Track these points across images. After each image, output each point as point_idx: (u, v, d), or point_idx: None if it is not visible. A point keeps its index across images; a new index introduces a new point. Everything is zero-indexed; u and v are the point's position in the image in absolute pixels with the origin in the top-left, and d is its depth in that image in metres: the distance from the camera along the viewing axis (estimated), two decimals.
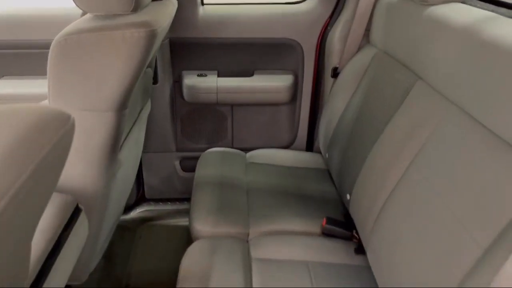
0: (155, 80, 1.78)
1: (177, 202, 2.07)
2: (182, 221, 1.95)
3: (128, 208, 2.02)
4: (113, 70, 0.97)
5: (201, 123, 1.96)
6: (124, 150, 1.27)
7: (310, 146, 2.00)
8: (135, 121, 1.45)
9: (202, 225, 1.35)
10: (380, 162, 1.22)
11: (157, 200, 2.07)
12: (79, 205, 1.07)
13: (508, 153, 0.81)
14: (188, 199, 2.08)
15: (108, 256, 1.72)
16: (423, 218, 0.97)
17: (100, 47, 0.95)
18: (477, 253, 0.79)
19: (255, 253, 1.25)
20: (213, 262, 1.18)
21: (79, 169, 1.06)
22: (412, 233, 0.99)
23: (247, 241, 1.32)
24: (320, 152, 1.84)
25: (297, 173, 1.71)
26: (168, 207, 2.05)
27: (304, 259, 1.24)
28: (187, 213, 2.04)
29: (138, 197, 2.05)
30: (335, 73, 1.77)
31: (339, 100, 1.65)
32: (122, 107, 1.07)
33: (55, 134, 0.49)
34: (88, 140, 1.04)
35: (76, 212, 1.05)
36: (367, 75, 1.54)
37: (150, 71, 1.56)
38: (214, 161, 1.72)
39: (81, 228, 1.07)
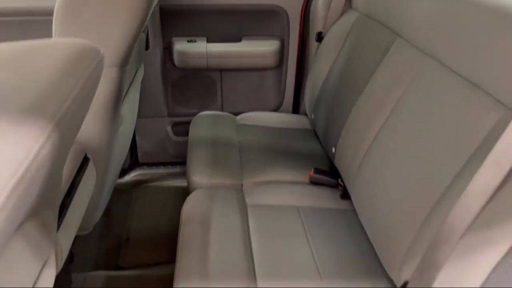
0: (146, 46, 1.84)
1: (170, 166, 2.15)
2: (176, 183, 2.05)
3: (123, 172, 2.09)
4: (117, 25, 1.04)
5: (192, 88, 2.03)
6: (123, 108, 1.34)
7: (296, 109, 2.10)
8: (131, 82, 1.52)
9: (199, 177, 1.45)
10: (363, 114, 1.33)
11: (150, 164, 2.15)
12: (87, 155, 1.15)
13: (477, 95, 0.92)
14: (180, 163, 2.17)
15: (107, 215, 1.80)
16: (401, 158, 1.08)
17: (104, 1, 1.01)
18: (449, 179, 0.91)
19: (250, 200, 1.36)
20: (212, 206, 1.28)
21: (86, 122, 1.13)
22: (392, 172, 1.10)
23: (242, 191, 1.42)
24: (306, 115, 1.95)
25: (285, 133, 1.81)
26: (161, 170, 2.14)
27: (294, 204, 1.35)
28: (180, 175, 2.14)
29: (132, 161, 2.13)
30: (320, 38, 1.86)
31: (324, 63, 1.75)
32: (125, 62, 1.14)
33: (91, 64, 0.58)
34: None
35: (85, 161, 1.13)
36: (349, 37, 1.64)
37: (143, 35, 1.62)
38: (206, 123, 1.81)
39: (90, 177, 1.15)
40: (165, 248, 1.60)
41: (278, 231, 1.23)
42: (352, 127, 1.38)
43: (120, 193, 1.97)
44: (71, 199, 1.03)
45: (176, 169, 2.15)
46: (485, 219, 0.77)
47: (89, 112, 1.14)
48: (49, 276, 0.75)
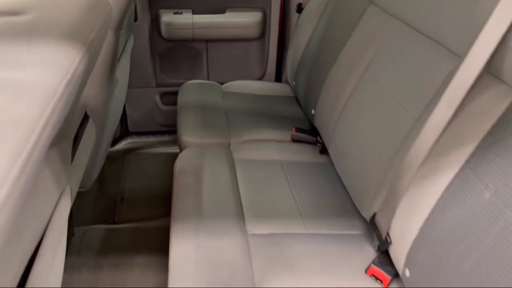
0: (135, 18, 1.93)
1: (159, 135, 2.26)
2: (165, 150, 2.15)
3: (114, 142, 2.19)
4: None
5: (179, 59, 2.13)
6: (118, 72, 1.44)
7: (279, 77, 2.21)
8: (122, 51, 1.61)
9: (189, 137, 1.56)
10: (339, 75, 1.46)
11: (140, 133, 2.25)
12: (87, 113, 1.25)
13: (436, 49, 1.06)
14: (169, 132, 2.28)
15: (101, 179, 1.91)
16: (372, 109, 1.22)
17: None
18: (411, 122, 1.04)
19: (237, 155, 1.48)
20: (203, 161, 1.40)
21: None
22: (363, 122, 1.24)
23: (229, 148, 1.55)
24: (288, 83, 2.07)
25: (268, 100, 1.93)
26: (151, 139, 2.24)
27: (278, 159, 1.48)
28: (169, 143, 2.24)
29: (123, 131, 2.22)
30: (300, 9, 1.97)
31: (304, 33, 1.86)
32: (119, 27, 1.23)
33: (106, 7, 0.68)
34: None
35: (85, 118, 1.23)
36: (327, 7, 1.75)
37: (133, 5, 1.70)
38: (193, 91, 1.91)
39: (91, 132, 1.25)
40: (158, 205, 1.71)
41: (263, 181, 1.35)
42: (329, 88, 1.51)
43: (113, 160, 2.07)
44: (77, 148, 1.13)
45: (165, 138, 2.25)
46: (438, 149, 0.91)
47: None
48: (66, 205, 0.87)
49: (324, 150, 1.54)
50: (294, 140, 1.60)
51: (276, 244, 1.10)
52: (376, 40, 1.32)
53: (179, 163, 1.40)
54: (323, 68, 1.59)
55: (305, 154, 1.54)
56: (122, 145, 2.20)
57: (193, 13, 2.04)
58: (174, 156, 1.49)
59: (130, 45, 1.75)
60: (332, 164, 1.44)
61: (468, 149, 0.85)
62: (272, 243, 1.10)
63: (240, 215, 1.19)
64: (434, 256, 0.86)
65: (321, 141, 1.57)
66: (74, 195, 1.04)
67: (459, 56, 0.97)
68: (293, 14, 2.01)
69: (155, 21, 2.04)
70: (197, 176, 1.32)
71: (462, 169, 0.85)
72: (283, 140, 1.61)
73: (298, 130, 1.61)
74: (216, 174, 1.34)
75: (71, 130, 0.90)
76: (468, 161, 0.84)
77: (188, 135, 1.57)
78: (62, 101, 0.55)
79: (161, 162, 2.04)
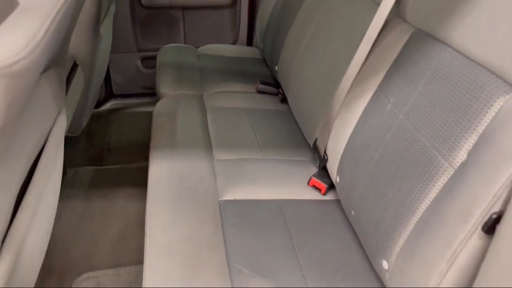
0: None
1: (141, 97, 2.46)
2: (147, 109, 2.36)
3: (99, 103, 2.39)
4: None
5: (157, 25, 2.32)
6: (102, 30, 1.64)
7: (250, 42, 2.43)
8: (106, 13, 1.80)
9: (166, 89, 1.78)
10: (296, 33, 1.68)
11: (123, 96, 2.45)
12: (76, 62, 1.45)
13: (364, 4, 1.28)
14: (150, 94, 2.48)
15: (88, 134, 2.11)
16: (320, 59, 1.45)
17: None
18: (346, 66, 1.27)
19: (208, 104, 1.71)
20: (178, 107, 1.62)
21: (74, 34, 1.43)
22: (314, 70, 1.47)
23: (202, 98, 1.77)
24: (257, 47, 2.28)
25: (239, 61, 2.15)
26: (133, 100, 2.45)
27: (243, 106, 1.71)
28: (150, 104, 2.45)
29: (107, 93, 2.42)
30: None
31: (270, 0, 2.08)
32: None
33: None
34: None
35: (74, 66, 1.43)
36: None
37: None
38: (171, 53, 2.12)
39: (79, 79, 1.46)
40: (141, 152, 1.92)
41: (230, 123, 1.58)
42: (288, 45, 1.74)
43: (99, 118, 2.27)
44: (68, 90, 1.34)
45: (146, 99, 2.46)
46: (359, 79, 1.15)
47: (77, 26, 1.44)
48: (62, 123, 1.08)
49: (284, 100, 1.77)
50: (259, 92, 1.83)
51: (237, 165, 1.33)
52: (325, 3, 1.54)
53: (157, 109, 1.62)
54: (284, 29, 1.81)
55: (267, 102, 1.77)
56: (107, 106, 2.40)
57: None
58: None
59: (112, 10, 1.95)
60: (290, 111, 1.68)
61: (380, 76, 1.09)
62: (233, 165, 1.34)
63: (208, 146, 1.42)
64: (354, 161, 1.10)
65: (282, 92, 1.80)
66: (67, 126, 1.26)
67: (376, 3, 1.19)
68: None
69: None
70: (172, 117, 1.55)
71: (375, 91, 1.09)
72: (249, 91, 1.84)
73: (262, 82, 1.84)
74: (189, 117, 1.57)
75: (65, 58, 1.11)
76: (379, 85, 1.08)
77: (165, 87, 1.79)
78: (67, 3, 0.76)
79: (143, 119, 2.25)
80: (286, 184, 1.28)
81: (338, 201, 1.23)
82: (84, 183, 1.65)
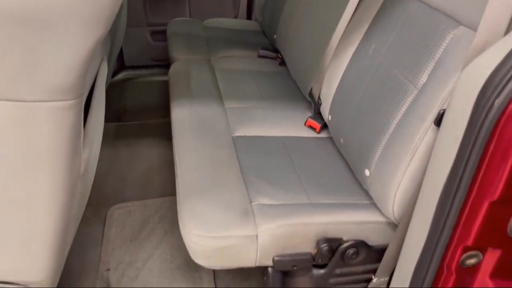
0: None
1: (151, 68, 2.69)
2: (158, 78, 2.59)
3: (113, 74, 2.61)
4: None
5: (165, 2, 2.55)
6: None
7: (249, 16, 2.66)
8: None
9: (178, 54, 2.02)
10: (292, 4, 1.92)
11: (134, 67, 2.68)
12: None
13: None
14: (158, 66, 2.71)
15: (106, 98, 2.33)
16: (312, 25, 1.69)
17: None
18: (333, 31, 1.52)
19: (216, 66, 1.94)
20: (190, 67, 1.86)
21: None
22: (307, 36, 1.71)
23: (210, 62, 2.01)
24: (256, 21, 2.52)
25: (241, 32, 2.39)
26: (144, 71, 2.67)
27: (247, 68, 1.95)
28: (160, 74, 2.68)
29: (120, 65, 2.65)
30: None
31: None
32: None
33: None
34: None
35: None
36: None
37: None
38: (179, 25, 2.35)
39: (106, 40, 1.69)
40: (155, 112, 2.16)
41: (236, 80, 1.82)
42: (285, 16, 1.97)
43: (113, 86, 2.49)
44: None
45: (155, 70, 2.68)
46: (347, 32, 1.39)
47: None
48: (105, 69, 1.32)
49: (282, 63, 2.01)
50: (260, 56, 2.07)
51: (244, 111, 1.58)
52: None
53: (172, 69, 1.86)
54: (281, 2, 2.05)
55: (267, 65, 2.01)
56: (120, 76, 2.63)
57: None
58: (165, 83, 1.91)
59: None
60: (288, 73, 1.92)
61: (364, 29, 1.34)
62: (241, 111, 1.58)
63: (219, 97, 1.66)
64: (343, 100, 1.35)
65: (280, 56, 2.04)
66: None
67: None
68: None
69: None
70: (186, 76, 1.78)
71: (361, 41, 1.34)
72: (251, 56, 2.08)
73: (263, 48, 2.08)
74: (201, 75, 1.81)
75: None
76: (363, 36, 1.33)
77: (177, 53, 2.03)
78: None
79: (154, 87, 2.48)
80: (286, 125, 1.52)
81: (330, 138, 1.48)
82: (108, 135, 1.88)
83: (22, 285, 0.98)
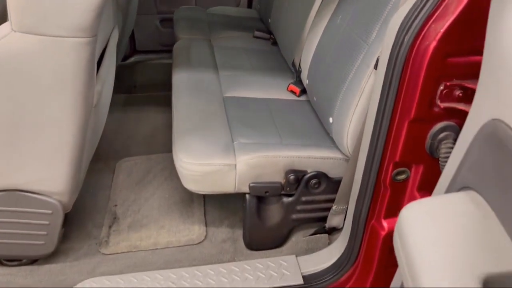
0: None
1: (160, 52, 2.95)
2: (166, 61, 2.84)
3: (125, 58, 2.88)
4: None
5: None
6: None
7: (250, 5, 2.92)
8: None
9: (182, 34, 2.28)
10: None
11: (145, 52, 2.94)
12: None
13: None
14: (167, 51, 2.97)
15: (117, 77, 2.61)
16: (300, 5, 1.93)
17: None
18: (313, 15, 1.76)
19: (215, 44, 2.20)
20: (191, 44, 2.12)
21: None
22: (294, 15, 1.95)
23: (210, 41, 2.26)
24: (256, 9, 2.77)
25: (240, 18, 2.64)
26: (153, 55, 2.94)
27: (242, 47, 2.20)
28: (168, 58, 2.93)
29: (132, 49, 2.92)
30: None
31: None
32: None
33: None
34: None
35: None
36: None
37: None
38: (185, 11, 2.62)
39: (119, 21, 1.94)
40: (162, 88, 2.42)
41: (231, 56, 2.07)
42: (277, 2, 2.22)
43: (125, 68, 2.76)
44: None
45: (164, 54, 2.94)
46: (320, 10, 1.63)
47: None
48: (115, 36, 1.58)
49: (274, 43, 2.26)
50: (255, 37, 2.32)
51: (235, 78, 1.83)
52: None
53: (176, 46, 2.12)
54: None
55: (261, 45, 2.26)
56: (131, 60, 2.90)
57: None
58: (171, 64, 2.14)
59: None
60: (279, 51, 2.16)
61: (335, 3, 1.57)
62: (233, 77, 1.83)
63: (215, 67, 1.91)
64: (316, 65, 1.58)
65: (273, 37, 2.28)
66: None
67: None
68: None
69: None
70: (188, 50, 2.04)
71: (331, 15, 1.57)
72: (247, 37, 2.32)
73: (258, 29, 2.33)
74: (200, 51, 2.06)
75: None
76: (334, 9, 1.57)
77: (181, 33, 2.29)
78: None
79: (162, 68, 2.73)
80: (271, 89, 1.76)
81: (308, 101, 1.71)
82: (118, 103, 2.14)
83: (45, 194, 1.23)
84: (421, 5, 0.95)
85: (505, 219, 0.64)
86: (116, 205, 1.61)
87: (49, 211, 1.25)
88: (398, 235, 0.69)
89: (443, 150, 1.03)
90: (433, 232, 0.66)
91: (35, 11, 0.96)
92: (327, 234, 1.49)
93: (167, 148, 1.90)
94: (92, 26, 1.01)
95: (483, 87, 0.71)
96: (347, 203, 1.34)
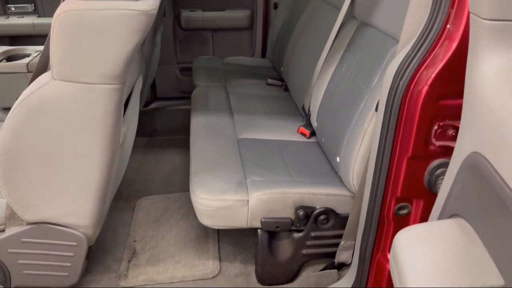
0: (164, 13, 2.83)
1: (179, 99, 3.12)
2: (185, 107, 3.01)
3: (146, 104, 3.06)
4: None
5: (193, 43, 3.02)
6: (157, 37, 2.32)
7: (263, 55, 3.10)
8: (158, 29, 2.49)
9: (200, 82, 2.44)
10: (293, 41, 2.33)
11: (165, 98, 3.12)
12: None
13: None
14: (186, 98, 3.15)
15: (139, 122, 2.77)
16: (307, 54, 2.07)
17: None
18: (317, 62, 1.90)
19: (231, 91, 2.35)
20: (209, 91, 2.27)
21: None
22: (301, 65, 2.09)
23: (226, 88, 2.41)
24: (269, 58, 2.95)
25: (254, 67, 2.81)
26: (173, 102, 3.11)
27: (256, 93, 2.34)
28: (187, 104, 3.10)
29: (153, 96, 3.10)
30: (276, 6, 2.87)
31: (278, 21, 2.76)
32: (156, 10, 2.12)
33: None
34: None
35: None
36: (292, 3, 2.64)
37: (163, 5, 2.59)
38: (203, 61, 2.80)
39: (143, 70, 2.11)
40: (181, 132, 2.55)
41: (246, 101, 2.21)
42: (289, 52, 2.38)
43: (146, 114, 2.92)
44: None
45: (183, 101, 3.11)
46: (328, 58, 1.76)
47: None
48: (140, 83, 1.73)
49: (286, 89, 2.40)
50: (268, 84, 2.47)
51: (249, 121, 1.95)
52: (310, 21, 2.20)
53: (194, 93, 2.27)
54: (286, 41, 2.46)
55: (274, 91, 2.40)
56: (152, 106, 3.07)
57: (203, 11, 2.94)
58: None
59: (161, 30, 2.65)
60: (290, 97, 2.30)
61: (340, 53, 1.71)
62: (247, 120, 1.95)
63: (230, 111, 2.04)
64: (324, 109, 1.70)
65: (285, 84, 2.43)
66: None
67: (339, 9, 1.82)
68: (271, 10, 2.91)
69: (177, 17, 2.94)
70: (205, 97, 2.19)
71: (338, 63, 1.70)
72: (261, 84, 2.47)
73: (271, 77, 2.48)
74: (217, 97, 2.21)
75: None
76: (340, 59, 1.70)
77: (199, 81, 2.45)
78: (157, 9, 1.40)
79: (181, 114, 2.89)
80: (282, 132, 1.87)
81: (317, 143, 1.81)
82: (140, 146, 2.28)
83: (71, 227, 1.33)
84: (413, 54, 1.06)
85: (488, 243, 0.72)
86: (135, 241, 1.70)
87: (75, 243, 1.34)
88: (392, 256, 0.77)
89: (439, 186, 1.10)
90: (423, 253, 0.73)
91: (74, 62, 1.10)
92: (336, 270, 1.54)
93: (184, 187, 2.01)
94: (121, 75, 1.15)
95: (465, 124, 0.80)
96: (355, 238, 1.40)
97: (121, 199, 1.93)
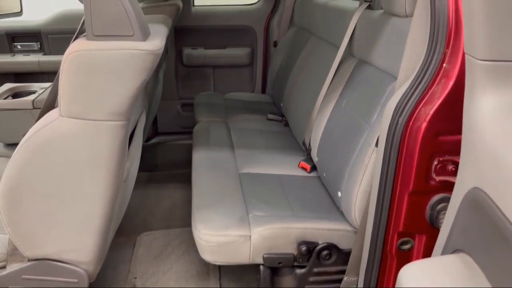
0: (166, 51, 2.90)
1: (180, 134, 3.15)
2: (186, 142, 3.04)
3: (148, 139, 3.09)
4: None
5: (194, 79, 3.08)
6: (160, 75, 2.37)
7: (263, 91, 3.16)
8: (161, 66, 2.55)
9: (201, 117, 2.48)
10: (292, 79, 2.38)
11: (166, 133, 3.15)
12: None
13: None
14: (187, 132, 3.18)
15: (140, 156, 2.78)
16: (307, 91, 2.12)
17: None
18: (320, 96, 1.94)
19: (231, 125, 2.38)
20: (210, 126, 2.30)
21: None
22: (302, 102, 2.14)
23: (227, 123, 2.44)
24: (269, 94, 3.00)
25: (255, 102, 2.86)
26: (174, 137, 3.14)
27: (257, 128, 2.37)
28: (188, 139, 3.13)
29: (154, 131, 3.13)
30: (275, 44, 2.95)
31: (277, 60, 2.83)
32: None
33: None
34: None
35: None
36: (291, 41, 2.72)
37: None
38: (205, 97, 2.85)
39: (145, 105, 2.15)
40: (181, 167, 2.57)
41: (246, 136, 2.24)
42: (289, 88, 2.43)
43: (147, 149, 2.95)
44: None
45: (185, 136, 3.14)
46: (327, 95, 1.80)
47: None
48: (143, 120, 1.76)
49: (286, 124, 2.43)
50: (268, 119, 2.51)
51: (250, 155, 1.97)
52: (310, 59, 2.26)
53: (196, 128, 2.30)
54: (285, 78, 2.52)
55: (274, 126, 2.43)
56: (153, 141, 3.10)
57: (205, 48, 3.03)
58: (191, 145, 2.34)
59: (164, 67, 2.71)
60: (291, 132, 2.33)
61: (340, 89, 1.75)
62: (248, 155, 1.97)
63: (231, 146, 2.06)
64: (325, 144, 1.72)
65: (285, 119, 2.46)
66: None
67: (337, 47, 1.87)
68: (271, 48, 2.99)
69: (179, 54, 3.02)
70: (206, 132, 2.22)
71: (337, 99, 1.74)
72: (261, 119, 2.51)
73: (271, 112, 2.52)
74: (218, 132, 2.24)
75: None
76: (339, 95, 1.74)
77: (200, 116, 2.49)
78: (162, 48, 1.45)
79: (182, 149, 2.92)
80: (283, 166, 1.89)
81: (318, 177, 1.82)
82: (141, 181, 2.28)
83: (72, 264, 1.33)
84: (411, 91, 1.10)
85: (492, 278, 0.72)
86: (135, 277, 1.68)
87: (76, 280, 1.33)
88: None
89: (441, 221, 1.11)
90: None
91: (82, 100, 1.13)
92: None
93: (185, 222, 2.01)
94: (127, 111, 1.17)
95: (464, 159, 0.82)
96: (358, 274, 1.39)
97: (122, 234, 1.92)
